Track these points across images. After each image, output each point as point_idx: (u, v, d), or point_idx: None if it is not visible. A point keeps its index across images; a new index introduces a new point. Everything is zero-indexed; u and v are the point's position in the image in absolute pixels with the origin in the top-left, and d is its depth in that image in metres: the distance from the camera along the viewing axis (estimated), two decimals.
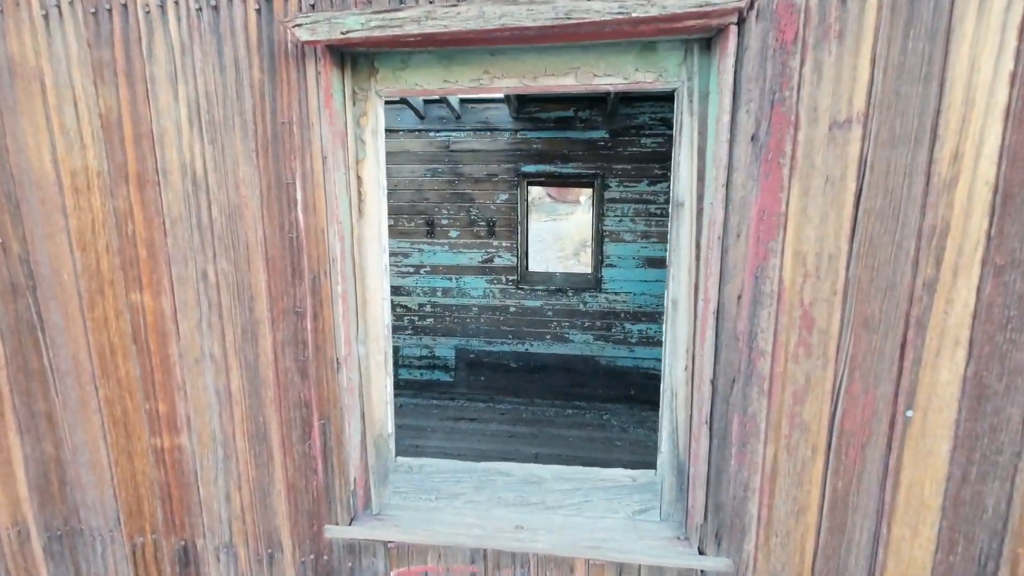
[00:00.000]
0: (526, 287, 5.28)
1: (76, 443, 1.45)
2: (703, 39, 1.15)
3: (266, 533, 1.42)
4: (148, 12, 1.20)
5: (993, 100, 0.99)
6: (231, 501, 1.42)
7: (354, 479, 1.38)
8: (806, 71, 1.06)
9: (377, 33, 1.11)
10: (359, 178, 1.30)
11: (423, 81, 1.26)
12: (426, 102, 5.07)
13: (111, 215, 1.30)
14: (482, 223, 5.23)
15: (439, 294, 5.46)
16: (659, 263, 5.02)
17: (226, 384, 1.35)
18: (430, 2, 1.13)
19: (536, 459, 4.24)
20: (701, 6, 1.04)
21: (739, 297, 1.16)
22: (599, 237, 5.08)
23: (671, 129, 4.74)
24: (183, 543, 1.47)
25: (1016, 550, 1.12)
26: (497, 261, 5.29)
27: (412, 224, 5.36)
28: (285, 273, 1.28)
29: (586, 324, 5.25)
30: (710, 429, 1.23)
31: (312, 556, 1.42)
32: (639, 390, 5.30)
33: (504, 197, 5.15)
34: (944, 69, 1.01)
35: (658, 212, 4.93)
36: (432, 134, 5.18)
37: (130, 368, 1.38)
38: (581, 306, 5.23)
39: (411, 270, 5.45)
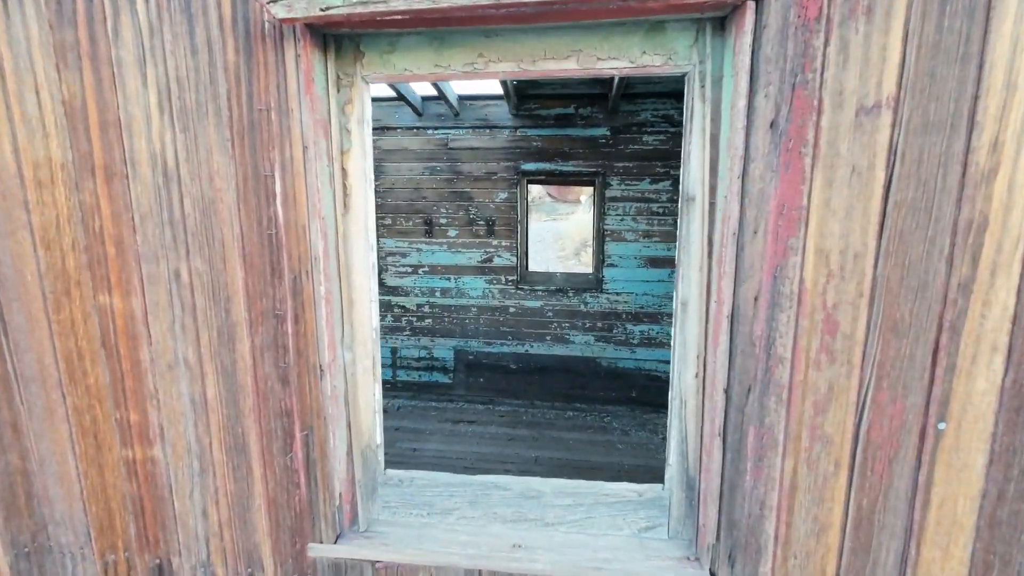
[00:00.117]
0: (526, 287, 5.19)
1: (43, 454, 1.35)
2: (716, 18, 1.06)
3: (245, 551, 1.33)
4: None
5: None
6: (208, 517, 1.32)
7: (339, 494, 1.28)
8: (831, 51, 0.96)
9: (360, 10, 1.01)
10: (344, 170, 1.21)
11: (413, 66, 1.17)
12: (424, 99, 4.99)
13: (76, 210, 1.21)
14: (481, 222, 5.14)
15: (437, 294, 5.37)
16: (661, 263, 4.93)
17: (201, 392, 1.26)
18: None
19: (536, 463, 4.16)
20: None
21: (756, 299, 1.06)
22: (600, 236, 4.99)
23: (674, 126, 4.65)
24: (158, 561, 1.38)
25: None
26: (496, 261, 5.20)
27: (410, 223, 5.28)
28: (264, 272, 1.18)
29: (587, 325, 5.16)
30: (723, 441, 1.14)
31: None
32: (641, 392, 5.21)
33: (503, 196, 5.06)
34: (983, 49, 0.91)
35: (660, 211, 4.84)
36: (430, 131, 5.09)
37: (99, 374, 1.29)
38: (582, 307, 5.14)
39: (409, 270, 5.37)
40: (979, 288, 0.97)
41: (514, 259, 5.16)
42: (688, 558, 1.23)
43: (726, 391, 1.12)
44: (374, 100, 5.08)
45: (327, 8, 1.01)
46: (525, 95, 4.74)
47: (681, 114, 4.60)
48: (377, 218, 5.27)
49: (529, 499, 1.35)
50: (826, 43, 0.96)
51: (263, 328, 1.21)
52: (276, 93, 1.11)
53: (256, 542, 1.32)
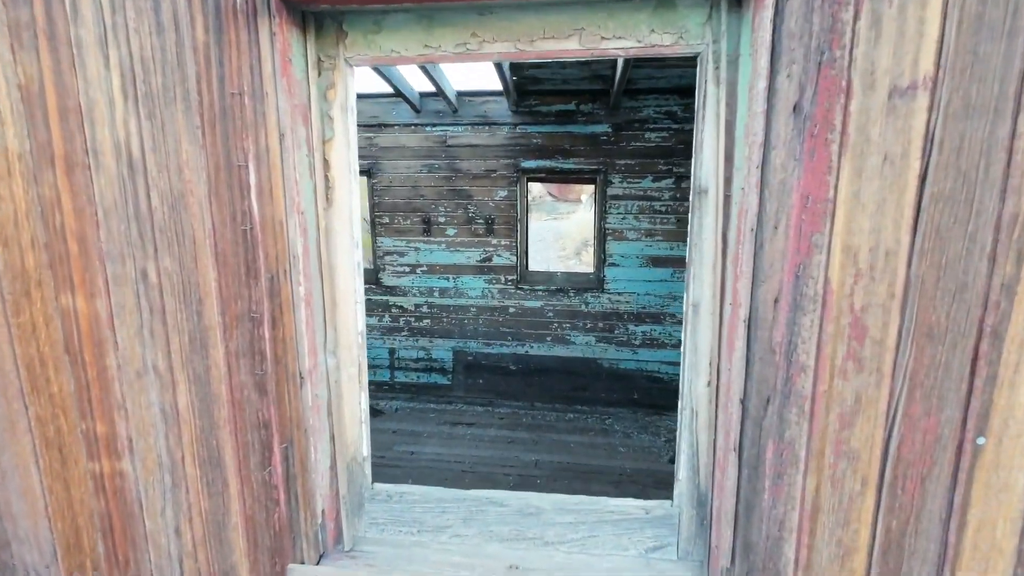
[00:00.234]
0: (526, 287, 5.09)
1: (5, 467, 1.26)
2: None
3: (222, 572, 1.23)
4: None
5: None
6: (181, 535, 1.23)
7: (322, 511, 1.19)
8: (861, 26, 0.87)
9: None
10: (326, 161, 1.11)
11: (400, 47, 1.07)
12: (422, 95, 4.89)
13: (36, 204, 1.11)
14: (480, 221, 5.05)
15: (436, 294, 5.28)
16: (664, 262, 4.83)
17: (172, 401, 1.16)
18: None
19: (536, 466, 4.07)
20: None
21: (776, 301, 0.97)
22: (601, 235, 4.90)
23: (676, 123, 4.55)
24: None
25: None
26: (496, 260, 5.10)
27: (408, 222, 5.18)
28: (238, 272, 1.09)
29: (588, 325, 5.07)
30: (739, 457, 1.04)
31: None
32: (643, 394, 5.12)
33: (503, 194, 4.97)
34: None
35: (663, 209, 4.74)
36: (428, 128, 5.00)
37: (63, 382, 1.19)
38: (583, 307, 5.05)
39: (407, 269, 5.27)
40: None
41: (514, 258, 5.07)
42: None
43: (742, 402, 1.02)
44: (372, 97, 4.99)
45: None
46: (525, 91, 4.64)
47: (684, 111, 4.51)
48: (374, 217, 5.18)
49: (528, 516, 1.25)
50: (856, 17, 0.86)
51: (238, 333, 1.11)
52: (250, 76, 1.01)
53: (233, 563, 1.22)
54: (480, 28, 1.04)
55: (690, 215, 1.09)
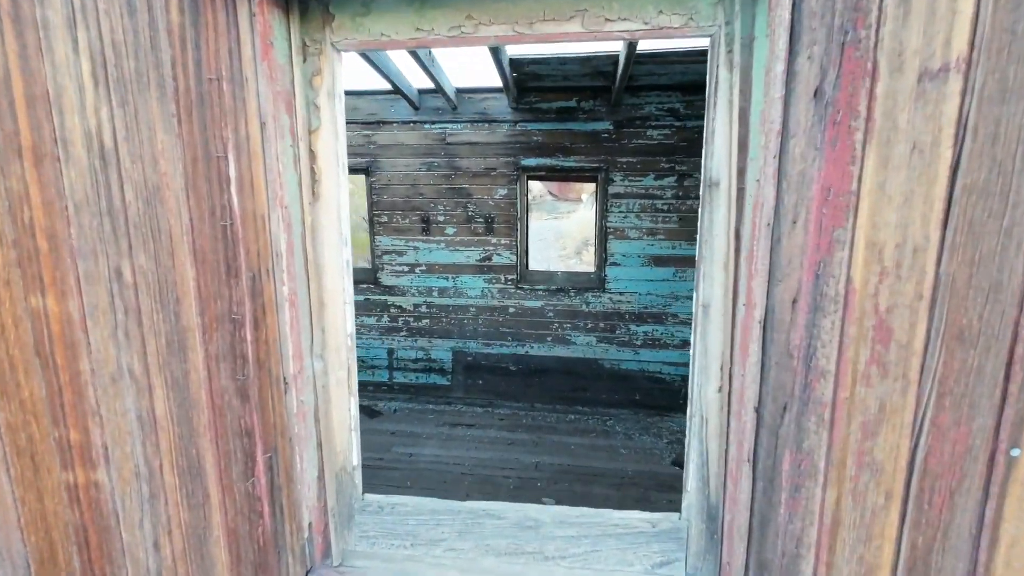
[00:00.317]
0: (526, 287, 5.02)
1: None
2: None
3: None
4: None
5: None
6: (160, 549, 1.16)
7: (309, 524, 1.12)
8: (888, 3, 0.80)
9: None
10: (312, 152, 1.04)
11: (391, 30, 1.00)
12: (420, 92, 4.82)
13: (3, 198, 1.04)
14: (480, 219, 4.98)
15: (435, 294, 5.21)
16: (666, 261, 4.76)
17: (149, 408, 1.10)
18: None
19: (536, 468, 4.00)
20: None
21: (794, 301, 0.90)
22: (602, 234, 4.83)
23: (679, 120, 4.48)
24: None
25: None
26: (496, 259, 5.03)
27: (406, 221, 5.11)
28: (218, 270, 1.02)
29: (589, 325, 5.00)
30: (753, 468, 0.98)
31: None
32: (644, 395, 5.05)
33: (503, 192, 4.90)
34: None
35: (665, 208, 4.67)
36: (427, 126, 4.93)
37: (34, 387, 1.12)
38: (584, 307, 4.98)
39: (406, 269, 5.21)
40: None
41: (514, 258, 5.00)
42: None
43: (757, 409, 0.96)
44: (369, 94, 4.92)
45: None
46: (525, 87, 4.57)
47: (687, 108, 4.43)
48: (372, 215, 5.11)
49: (526, 529, 1.18)
50: None
51: (218, 335, 1.05)
52: (228, 60, 0.94)
53: None
54: (475, 9, 0.97)
55: (700, 210, 1.02)
